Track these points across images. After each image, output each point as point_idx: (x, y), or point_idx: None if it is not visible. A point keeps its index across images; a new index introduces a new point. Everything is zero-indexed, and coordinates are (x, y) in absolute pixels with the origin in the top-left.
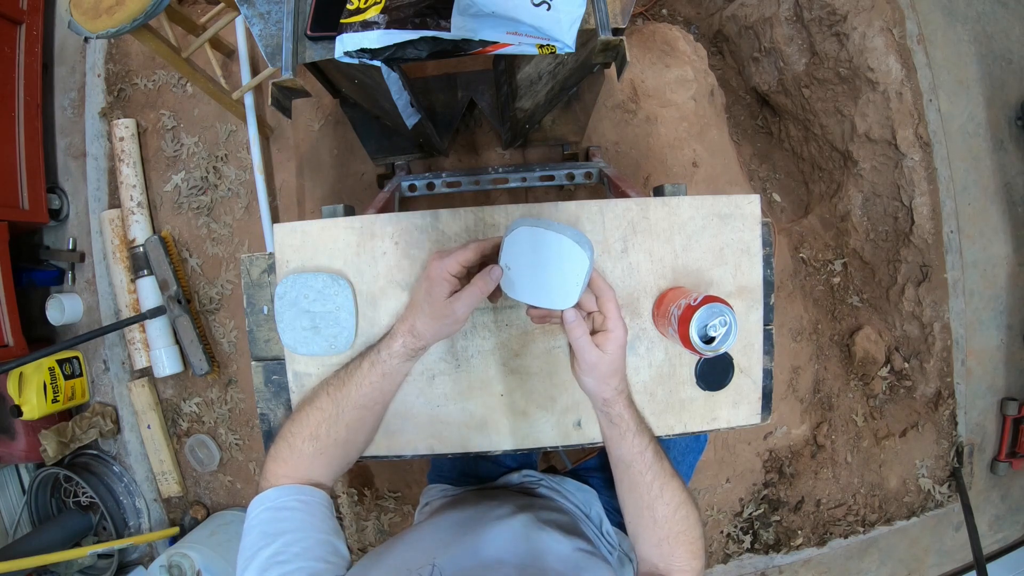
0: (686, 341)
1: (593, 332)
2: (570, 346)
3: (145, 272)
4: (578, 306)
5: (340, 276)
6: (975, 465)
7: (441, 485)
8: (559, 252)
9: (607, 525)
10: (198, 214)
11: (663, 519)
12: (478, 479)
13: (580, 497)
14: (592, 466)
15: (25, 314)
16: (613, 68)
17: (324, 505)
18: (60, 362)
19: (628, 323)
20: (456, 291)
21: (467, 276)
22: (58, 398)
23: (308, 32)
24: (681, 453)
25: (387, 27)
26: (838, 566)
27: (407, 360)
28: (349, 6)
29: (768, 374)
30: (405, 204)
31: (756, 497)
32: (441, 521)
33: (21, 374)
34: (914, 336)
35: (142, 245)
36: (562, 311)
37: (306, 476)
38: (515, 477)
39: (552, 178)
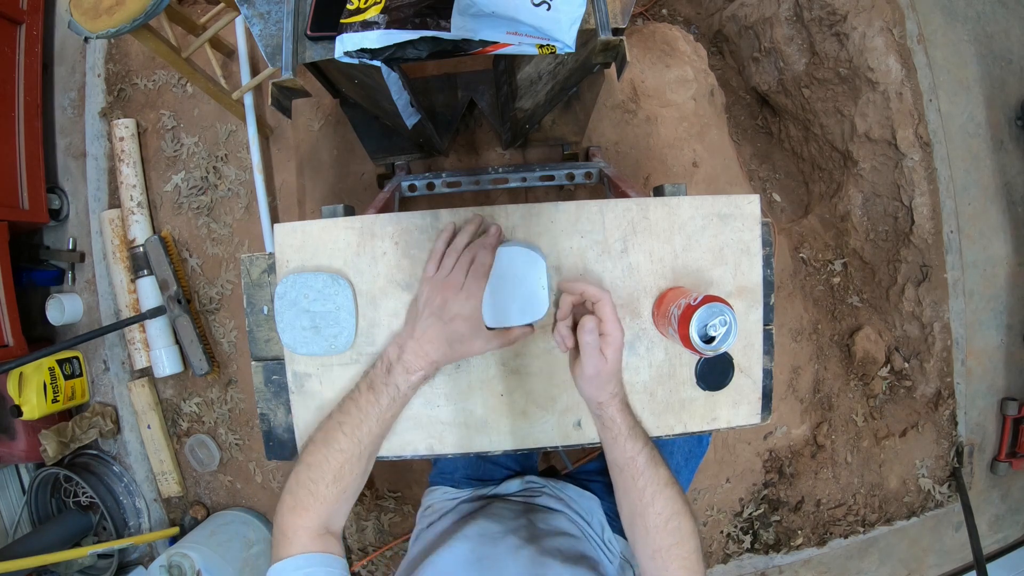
0: (686, 341)
1: None
2: (574, 349)
3: (145, 272)
4: (592, 312)
5: (340, 276)
6: (975, 465)
7: (443, 487)
8: (516, 263)
9: (608, 533)
10: (198, 214)
11: (654, 528)
12: (480, 480)
13: (582, 505)
14: (593, 470)
15: (25, 314)
16: (613, 68)
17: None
18: (60, 362)
19: (628, 323)
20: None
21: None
22: (58, 398)
23: (308, 32)
24: (684, 458)
25: (387, 27)
26: (838, 566)
27: (422, 385)
28: (349, 6)
29: (768, 374)
30: (405, 204)
31: (756, 497)
32: (453, 554)
33: (21, 374)
34: (914, 336)
35: (142, 245)
36: (584, 317)
37: (326, 523)
38: (517, 484)
39: (552, 178)
